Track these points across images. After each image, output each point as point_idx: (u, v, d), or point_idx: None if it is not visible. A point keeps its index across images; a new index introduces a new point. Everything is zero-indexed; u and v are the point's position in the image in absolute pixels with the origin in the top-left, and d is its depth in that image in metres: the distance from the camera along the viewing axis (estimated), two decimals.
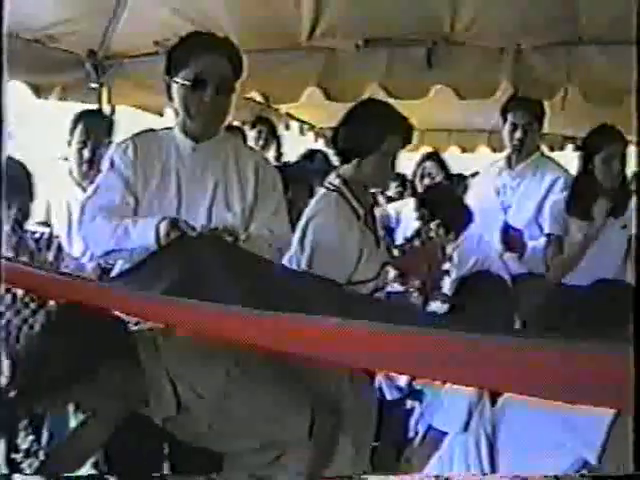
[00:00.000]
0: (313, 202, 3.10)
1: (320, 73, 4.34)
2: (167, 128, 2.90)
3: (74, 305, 2.19)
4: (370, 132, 2.96)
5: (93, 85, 4.52)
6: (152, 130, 2.90)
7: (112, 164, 2.76)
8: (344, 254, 2.93)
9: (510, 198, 4.31)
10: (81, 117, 4.14)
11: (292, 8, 4.15)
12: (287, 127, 6.67)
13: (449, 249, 4.02)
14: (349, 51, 4.26)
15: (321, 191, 3.12)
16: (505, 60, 4.16)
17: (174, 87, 2.73)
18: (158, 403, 2.26)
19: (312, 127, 7.22)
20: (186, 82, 2.66)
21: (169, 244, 2.43)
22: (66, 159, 4.54)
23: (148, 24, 4.34)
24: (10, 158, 3.57)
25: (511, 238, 4.18)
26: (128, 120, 4.95)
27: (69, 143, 4.14)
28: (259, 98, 4.75)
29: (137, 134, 2.84)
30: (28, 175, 3.55)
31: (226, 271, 2.30)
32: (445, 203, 4.12)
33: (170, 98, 2.77)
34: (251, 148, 3.38)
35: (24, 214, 3.51)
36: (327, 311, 1.92)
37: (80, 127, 4.09)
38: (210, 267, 2.30)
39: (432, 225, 4.02)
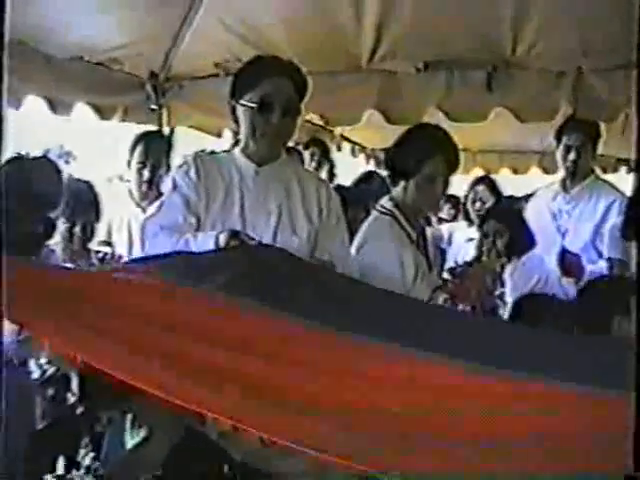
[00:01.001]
0: (366, 225, 3.14)
1: (380, 96, 4.34)
2: (226, 150, 2.93)
3: None
4: (411, 155, 3.03)
5: (153, 107, 4.57)
6: (212, 152, 2.93)
7: (174, 185, 2.77)
8: (401, 274, 2.94)
9: (566, 222, 4.28)
10: (141, 138, 4.20)
11: (353, 31, 4.17)
12: (339, 148, 6.68)
13: (507, 271, 4.00)
14: (409, 74, 4.26)
15: (374, 214, 3.16)
16: (566, 83, 4.13)
17: (239, 110, 2.75)
18: (214, 417, 2.27)
19: (363, 149, 7.22)
20: (253, 104, 2.68)
21: (228, 249, 2.43)
22: (121, 178, 4.59)
23: (209, 47, 4.39)
24: (75, 178, 3.64)
25: (568, 262, 4.13)
26: (184, 140, 5.03)
27: (129, 164, 4.20)
28: (316, 120, 4.76)
29: (198, 156, 2.86)
30: (94, 195, 3.62)
31: (291, 278, 2.29)
32: (508, 225, 4.11)
33: (235, 121, 2.80)
34: (311, 171, 3.40)
35: (88, 233, 3.58)
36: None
37: (140, 148, 4.15)
38: (272, 271, 2.29)
39: (492, 248, 4.02)
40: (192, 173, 2.75)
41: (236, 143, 4.75)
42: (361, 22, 4.11)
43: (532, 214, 4.50)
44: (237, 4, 4.14)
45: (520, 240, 4.09)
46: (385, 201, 3.14)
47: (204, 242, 2.53)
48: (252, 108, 2.68)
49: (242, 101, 2.72)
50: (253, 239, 2.46)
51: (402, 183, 3.07)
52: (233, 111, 2.78)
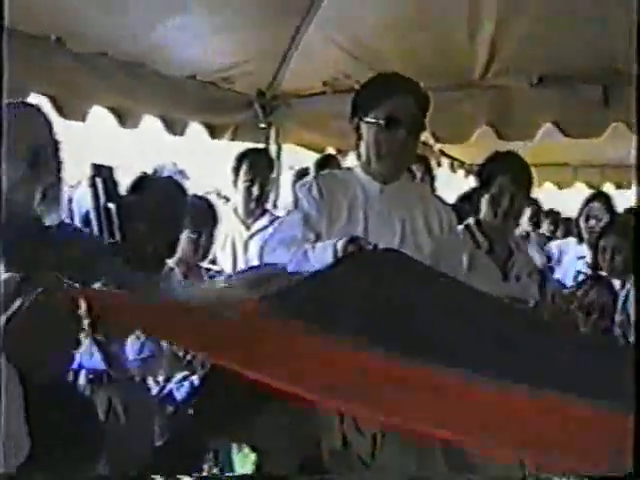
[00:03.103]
0: None
1: (492, 112, 4.27)
2: (347, 169, 2.92)
3: None
4: (484, 173, 3.44)
5: (262, 125, 4.60)
6: (332, 172, 2.93)
7: (296, 203, 2.78)
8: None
9: None
10: (245, 156, 4.23)
11: (466, 47, 4.10)
12: (439, 164, 6.63)
13: (625, 291, 3.88)
14: (522, 89, 4.17)
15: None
16: None
17: (364, 127, 2.73)
18: (327, 437, 2.24)
19: (462, 164, 7.16)
20: (380, 121, 2.66)
21: (345, 258, 2.36)
22: (219, 194, 4.61)
23: (318, 64, 4.40)
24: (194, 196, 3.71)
25: None
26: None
27: (234, 182, 4.22)
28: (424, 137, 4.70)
29: (319, 175, 2.88)
30: (212, 209, 3.66)
31: (412, 280, 2.24)
32: (630, 241, 3.98)
33: (358, 139, 2.78)
34: (430, 190, 3.41)
35: (209, 242, 3.63)
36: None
37: (245, 166, 4.17)
38: (396, 280, 2.24)
39: (610, 264, 3.92)
40: (315, 191, 2.75)
41: (327, 159, 4.78)
42: (475, 38, 4.03)
43: None
44: (348, 21, 4.12)
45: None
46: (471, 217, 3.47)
47: (323, 251, 2.51)
48: (379, 125, 2.66)
49: (367, 118, 2.70)
50: (370, 243, 2.43)
51: (482, 199, 3.40)
52: (357, 129, 2.76)
